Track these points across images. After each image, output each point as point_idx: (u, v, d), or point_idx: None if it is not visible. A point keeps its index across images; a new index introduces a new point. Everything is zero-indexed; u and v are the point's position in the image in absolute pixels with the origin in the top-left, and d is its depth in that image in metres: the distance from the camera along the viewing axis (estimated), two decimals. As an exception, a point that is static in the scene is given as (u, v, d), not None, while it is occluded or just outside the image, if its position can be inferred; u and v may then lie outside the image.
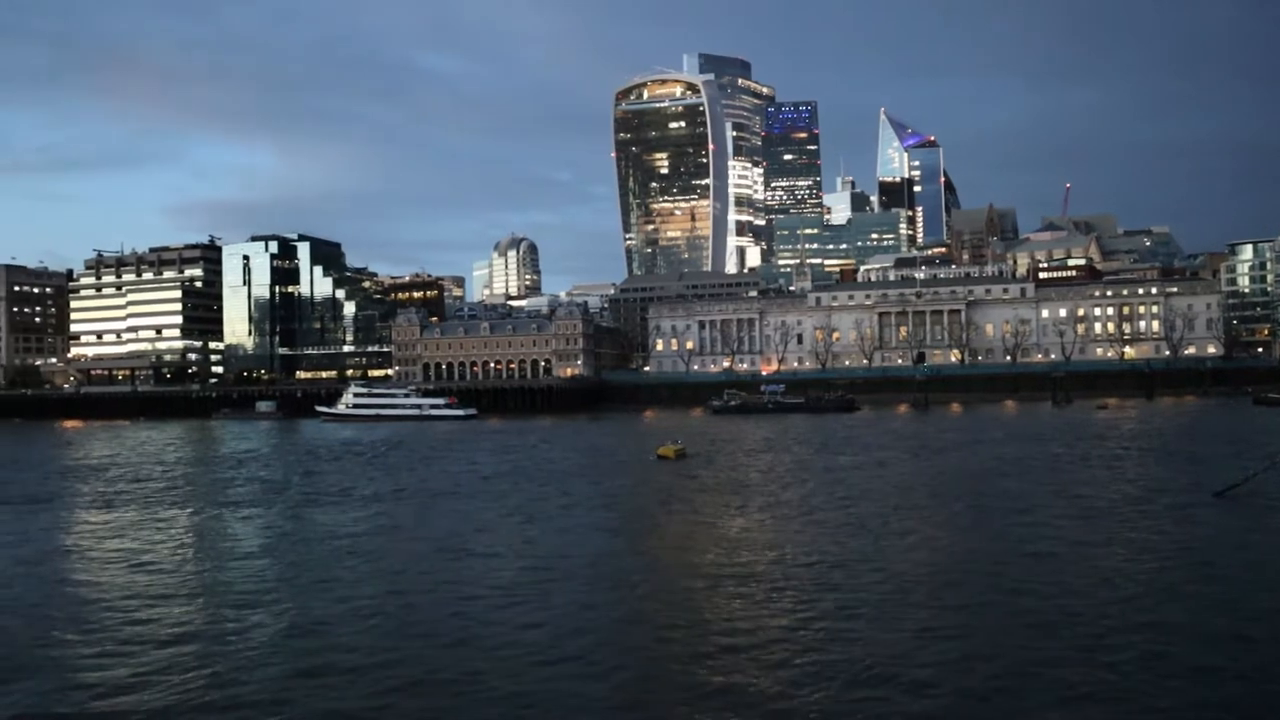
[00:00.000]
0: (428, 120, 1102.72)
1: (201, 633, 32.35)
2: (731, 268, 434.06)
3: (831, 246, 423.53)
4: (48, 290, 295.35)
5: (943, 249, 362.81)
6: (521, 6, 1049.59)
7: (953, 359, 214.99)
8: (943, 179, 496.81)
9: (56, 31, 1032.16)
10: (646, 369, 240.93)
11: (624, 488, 69.78)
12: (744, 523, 52.05)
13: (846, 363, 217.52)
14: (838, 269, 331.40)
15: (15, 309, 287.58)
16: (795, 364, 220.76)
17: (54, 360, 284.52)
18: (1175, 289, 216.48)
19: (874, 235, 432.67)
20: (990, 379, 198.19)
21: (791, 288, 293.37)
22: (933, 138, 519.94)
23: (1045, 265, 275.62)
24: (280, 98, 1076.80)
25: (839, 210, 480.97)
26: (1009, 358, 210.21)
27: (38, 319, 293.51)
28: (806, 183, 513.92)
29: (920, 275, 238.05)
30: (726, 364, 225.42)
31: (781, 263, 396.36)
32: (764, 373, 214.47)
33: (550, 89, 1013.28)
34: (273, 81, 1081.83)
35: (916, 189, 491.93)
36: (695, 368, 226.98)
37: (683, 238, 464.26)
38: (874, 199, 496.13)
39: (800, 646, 29.00)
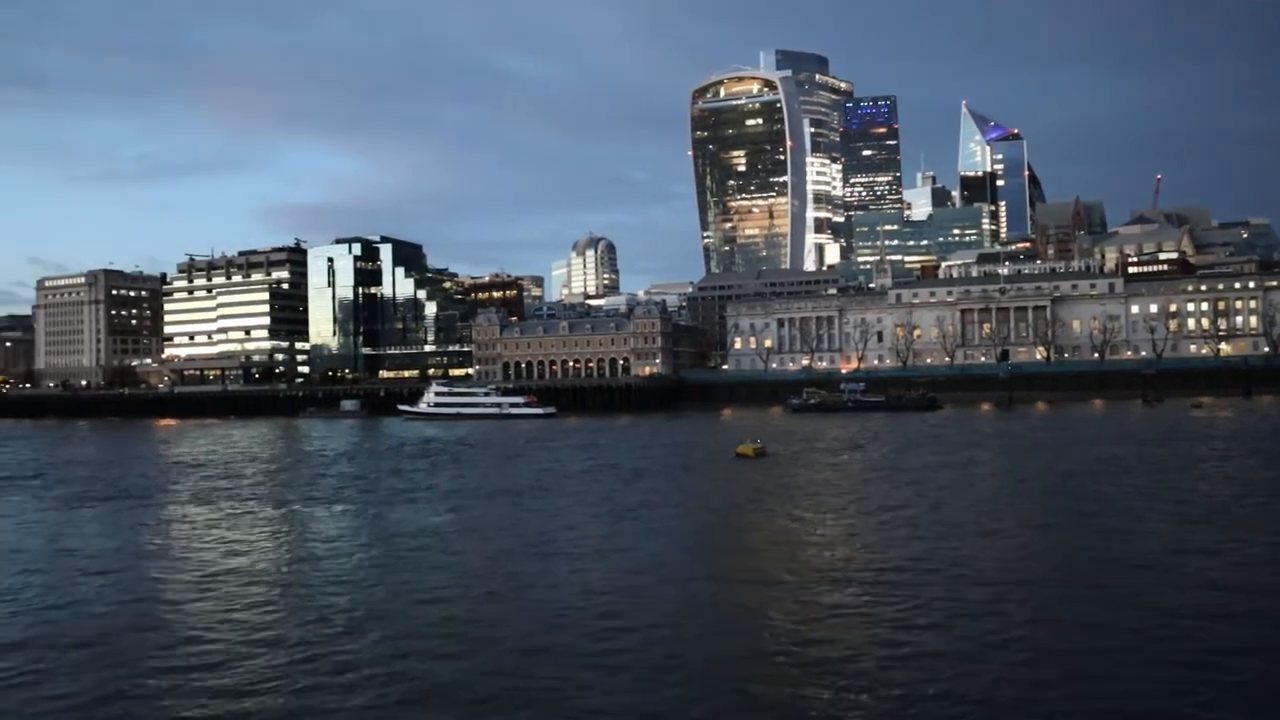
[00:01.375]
0: (508, 122, 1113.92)
1: (290, 628, 32.89)
2: (810, 265, 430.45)
3: (912, 243, 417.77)
4: (143, 294, 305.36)
5: (1027, 244, 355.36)
6: (600, 7, 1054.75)
7: (1037, 356, 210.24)
8: (1027, 172, 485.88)
9: (154, 44, 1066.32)
10: (725, 367, 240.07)
11: (704, 487, 69.52)
12: (827, 522, 51.39)
13: (928, 360, 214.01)
14: (918, 265, 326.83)
15: (114, 312, 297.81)
16: (875, 362, 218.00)
17: (149, 361, 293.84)
18: (1275, 283, 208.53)
19: (956, 231, 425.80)
20: (1077, 377, 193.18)
21: (871, 285, 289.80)
22: (1016, 130, 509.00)
23: (1135, 260, 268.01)
24: (364, 103, 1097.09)
25: (919, 206, 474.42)
26: (1096, 355, 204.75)
27: (134, 321, 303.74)
28: (886, 178, 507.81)
29: (1004, 271, 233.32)
30: (805, 362, 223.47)
31: (861, 260, 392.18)
32: (843, 371, 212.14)
33: (628, 88, 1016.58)
34: (357, 87, 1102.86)
35: (999, 183, 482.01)
36: (774, 366, 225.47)
37: (761, 235, 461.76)
38: (955, 194, 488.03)
39: (890, 650, 28.45)
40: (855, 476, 71.93)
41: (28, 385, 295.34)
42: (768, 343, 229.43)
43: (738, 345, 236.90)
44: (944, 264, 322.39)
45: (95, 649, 30.78)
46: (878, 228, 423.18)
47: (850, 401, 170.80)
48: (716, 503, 61.64)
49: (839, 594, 35.51)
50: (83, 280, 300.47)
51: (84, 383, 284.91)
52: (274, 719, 24.79)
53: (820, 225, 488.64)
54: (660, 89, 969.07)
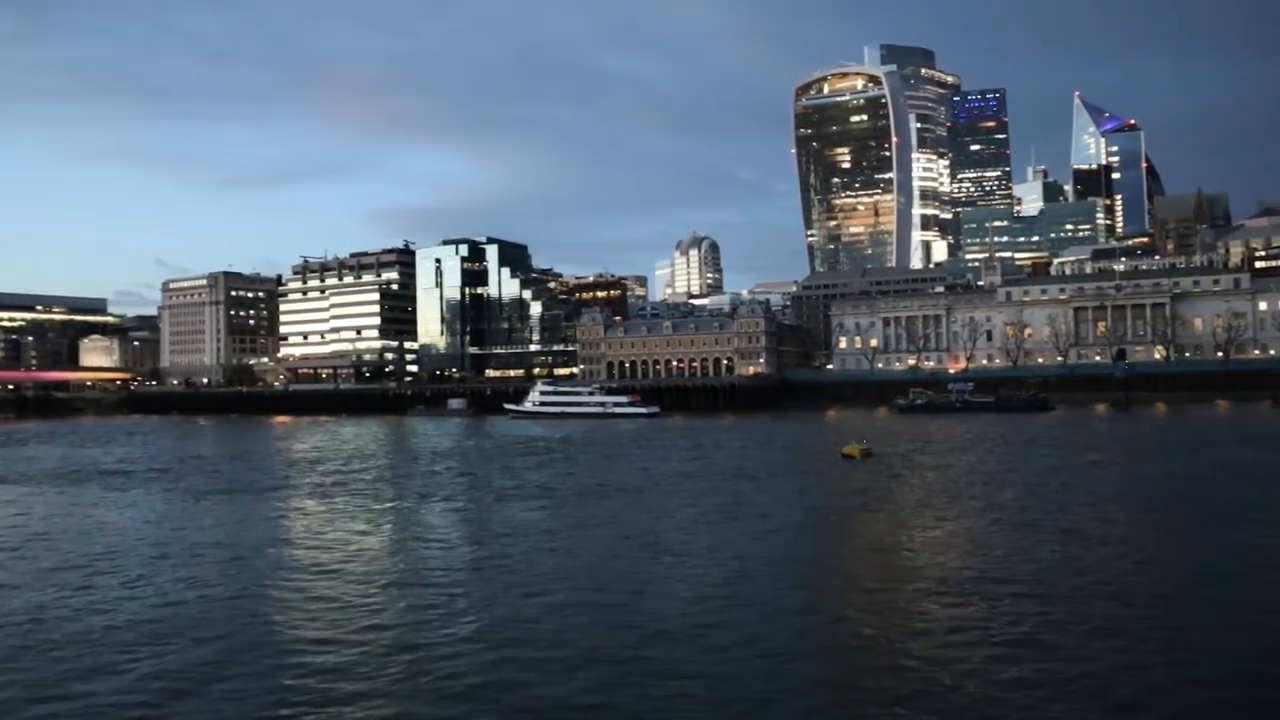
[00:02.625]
0: (612, 122, 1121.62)
1: (398, 620, 33.71)
2: (916, 263, 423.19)
3: (1022, 239, 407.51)
4: (260, 295, 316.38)
5: (1145, 239, 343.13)
6: (704, 6, 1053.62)
7: (1156, 356, 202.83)
8: (1144, 164, 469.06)
9: (272, 55, 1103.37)
10: (829, 367, 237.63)
11: (810, 488, 68.93)
12: (937, 526, 50.49)
13: (1039, 360, 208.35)
14: (1029, 262, 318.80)
15: (233, 312, 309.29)
16: (984, 361, 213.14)
17: (266, 359, 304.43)
18: None
19: (1068, 226, 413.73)
20: (1199, 377, 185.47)
21: (980, 283, 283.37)
22: (1133, 121, 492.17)
23: (1263, 254, 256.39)
24: (472, 106, 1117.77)
25: (1030, 201, 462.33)
26: (1220, 354, 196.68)
27: (252, 321, 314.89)
28: (995, 173, 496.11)
29: (1120, 267, 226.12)
30: (912, 362, 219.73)
31: (969, 257, 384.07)
32: (951, 371, 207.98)
33: (733, 87, 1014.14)
34: (465, 91, 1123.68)
35: (1115, 176, 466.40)
36: (879, 366, 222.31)
37: (866, 233, 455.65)
38: (1068, 188, 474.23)
39: (1002, 661, 27.85)
40: (966, 479, 70.46)
41: (154, 382, 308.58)
42: (873, 342, 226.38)
43: (842, 345, 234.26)
44: (1056, 260, 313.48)
45: (217, 635, 32.06)
46: (987, 224, 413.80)
47: (958, 402, 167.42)
48: (822, 504, 61.08)
49: (953, 603, 34.68)
50: (204, 282, 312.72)
51: (205, 380, 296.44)
52: (377, 709, 25.49)
53: (927, 222, 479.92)
54: (764, 86, 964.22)
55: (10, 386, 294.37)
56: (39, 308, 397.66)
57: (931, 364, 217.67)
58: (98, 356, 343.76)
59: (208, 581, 40.69)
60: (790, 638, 30.90)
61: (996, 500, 58.82)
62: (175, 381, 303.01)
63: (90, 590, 39.58)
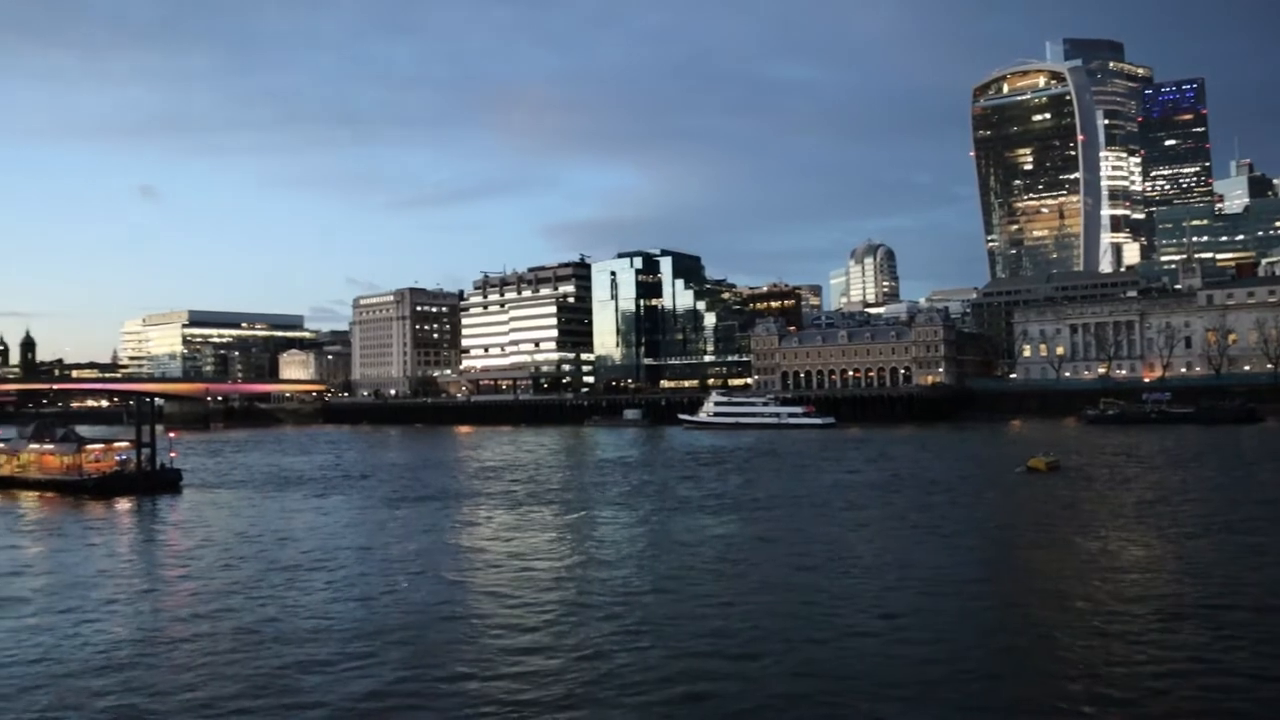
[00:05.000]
0: (785, 131, 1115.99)
1: (587, 633, 34.53)
2: (1106, 267, 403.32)
3: (1225, 238, 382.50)
4: (443, 309, 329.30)
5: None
6: (873, 9, 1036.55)
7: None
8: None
9: (451, 78, 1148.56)
10: (1012, 376, 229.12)
11: (994, 501, 66.87)
12: (1133, 545, 48.18)
13: (1246, 368, 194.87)
14: (1233, 263, 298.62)
15: (417, 326, 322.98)
16: (1182, 370, 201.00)
17: (449, 372, 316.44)
18: None
19: (1278, 223, 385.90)
20: None
21: (1177, 286, 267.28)
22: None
23: None
24: (643, 120, 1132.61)
25: (1234, 197, 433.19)
26: None
27: (436, 335, 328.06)
28: (1193, 169, 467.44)
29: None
30: (1102, 370, 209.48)
31: (1164, 259, 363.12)
32: (1145, 379, 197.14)
33: (906, 90, 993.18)
34: (635, 104, 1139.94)
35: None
36: (1066, 374, 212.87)
37: (1050, 237, 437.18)
38: (1278, 182, 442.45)
39: (1218, 692, 26.47)
40: (1167, 493, 66.87)
41: (346, 394, 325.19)
42: (1059, 350, 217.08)
43: (1026, 353, 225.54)
44: (1264, 261, 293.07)
45: (406, 637, 33.77)
46: (1184, 223, 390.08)
47: (1154, 412, 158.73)
48: (1008, 518, 59.17)
49: (1168, 629, 33.01)
50: (391, 298, 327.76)
51: (392, 392, 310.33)
52: (547, 712, 26.27)
53: (1117, 223, 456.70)
54: (940, 89, 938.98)
55: (219, 398, 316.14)
56: (244, 325, 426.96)
57: (1124, 372, 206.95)
58: (295, 370, 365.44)
59: (401, 586, 42.82)
60: (986, 657, 30.21)
61: (1204, 517, 55.60)
62: (365, 393, 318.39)
63: (295, 591, 42.28)
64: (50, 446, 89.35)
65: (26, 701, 27.92)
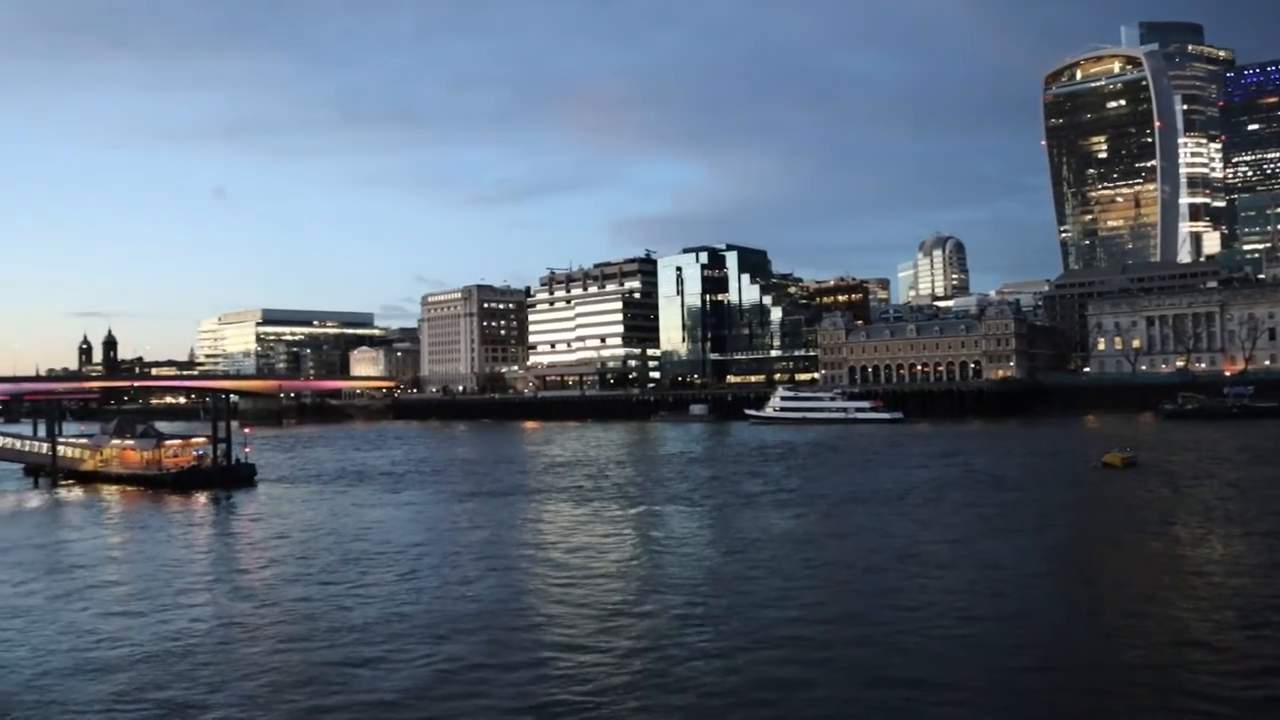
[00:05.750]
0: (850, 123, 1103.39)
1: (651, 630, 34.48)
2: (1184, 257, 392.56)
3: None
4: (510, 306, 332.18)
5: None
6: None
7: None
8: None
9: (515, 76, 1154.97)
10: (1086, 370, 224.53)
11: (1069, 498, 65.55)
12: (1214, 543, 46.88)
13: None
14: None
15: (485, 323, 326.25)
16: (1266, 362, 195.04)
17: (515, 368, 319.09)
18: None
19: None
20: None
21: (1260, 275, 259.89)
22: None
23: None
24: (708, 114, 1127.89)
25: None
26: None
27: (502, 331, 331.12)
28: (1278, 154, 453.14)
29: None
30: (1180, 363, 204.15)
31: (1248, 248, 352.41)
32: (1226, 373, 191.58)
33: (974, 79, 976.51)
34: (701, 99, 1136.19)
35: None
36: (1142, 368, 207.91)
37: (1125, 227, 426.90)
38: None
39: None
40: (1250, 490, 64.97)
41: (415, 390, 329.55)
42: (1135, 343, 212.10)
43: (1100, 346, 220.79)
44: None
45: (475, 629, 34.07)
46: (1269, 210, 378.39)
47: (1236, 407, 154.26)
48: (1084, 516, 57.98)
49: (1247, 634, 32.25)
50: (459, 295, 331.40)
51: (460, 388, 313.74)
52: (613, 707, 26.31)
53: (1196, 212, 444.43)
54: (1009, 76, 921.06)
55: (292, 394, 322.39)
56: (315, 323, 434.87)
57: (1203, 365, 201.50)
58: (366, 366, 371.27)
59: (471, 579, 43.29)
60: (1067, 660, 29.58)
61: (1285, 515, 53.93)
62: (434, 389, 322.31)
63: (367, 583, 42.94)
64: (131, 442, 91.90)
65: (109, 685, 28.72)
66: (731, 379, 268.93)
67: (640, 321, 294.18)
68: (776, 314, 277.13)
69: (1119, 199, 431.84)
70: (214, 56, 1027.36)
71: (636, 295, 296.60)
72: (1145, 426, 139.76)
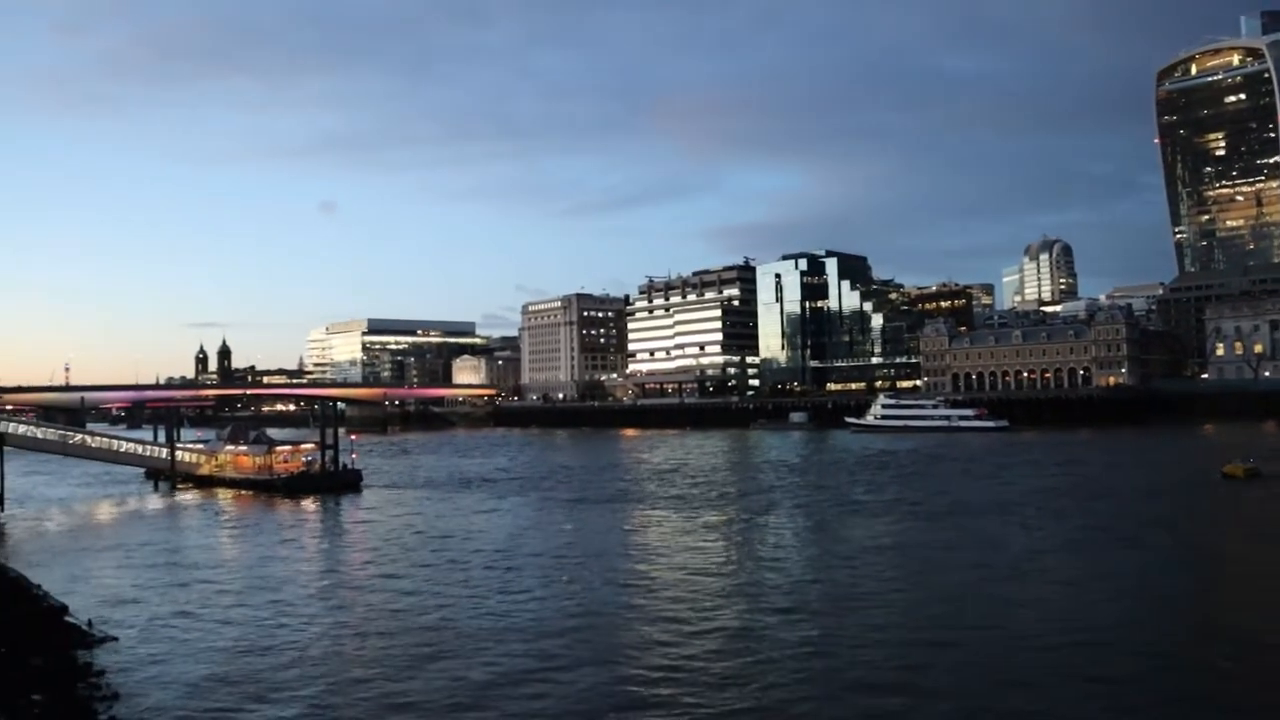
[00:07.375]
0: (952, 125, 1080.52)
1: (746, 644, 34.08)
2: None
3: None
4: (609, 314, 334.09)
5: None
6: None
7: None
8: None
9: (612, 86, 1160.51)
10: (1204, 376, 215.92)
11: (1189, 510, 63.00)
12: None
13: None
14: None
15: (585, 331, 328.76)
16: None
17: (615, 375, 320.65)
18: None
19: None
20: None
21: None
22: None
23: None
24: (806, 120, 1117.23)
25: None
26: None
27: (602, 339, 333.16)
28: None
29: None
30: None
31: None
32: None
33: (1082, 77, 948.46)
34: (799, 105, 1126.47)
35: None
36: (1266, 374, 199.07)
37: (1246, 227, 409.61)
38: None
39: None
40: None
41: (516, 398, 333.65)
42: (1258, 348, 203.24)
43: (1219, 352, 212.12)
44: None
45: (580, 637, 34.19)
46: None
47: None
48: (1204, 529, 55.69)
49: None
50: (559, 304, 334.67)
51: (560, 395, 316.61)
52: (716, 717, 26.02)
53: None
54: (1119, 74, 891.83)
55: (396, 402, 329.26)
56: (419, 332, 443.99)
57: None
58: (468, 375, 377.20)
59: (577, 586, 43.48)
60: (1198, 678, 28.40)
61: None
62: (534, 397, 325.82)
63: (474, 588, 43.52)
64: (244, 448, 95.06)
65: (227, 690, 29.55)
66: (832, 386, 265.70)
67: (739, 329, 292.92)
68: (877, 321, 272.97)
69: (1239, 198, 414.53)
70: (320, 76, 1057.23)
71: (735, 303, 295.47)
72: (1269, 436, 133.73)
